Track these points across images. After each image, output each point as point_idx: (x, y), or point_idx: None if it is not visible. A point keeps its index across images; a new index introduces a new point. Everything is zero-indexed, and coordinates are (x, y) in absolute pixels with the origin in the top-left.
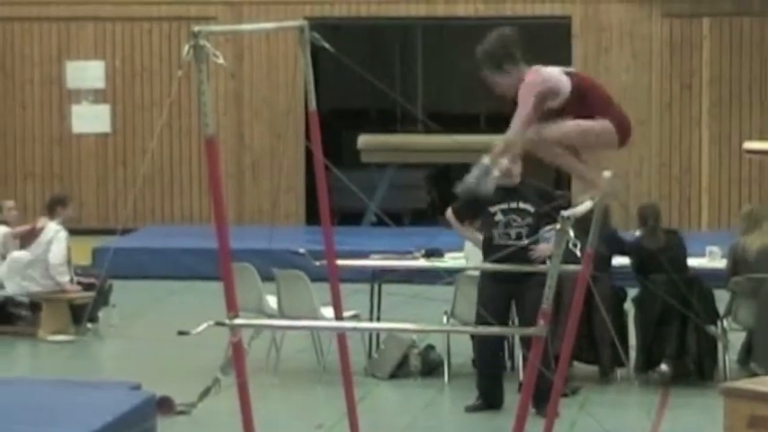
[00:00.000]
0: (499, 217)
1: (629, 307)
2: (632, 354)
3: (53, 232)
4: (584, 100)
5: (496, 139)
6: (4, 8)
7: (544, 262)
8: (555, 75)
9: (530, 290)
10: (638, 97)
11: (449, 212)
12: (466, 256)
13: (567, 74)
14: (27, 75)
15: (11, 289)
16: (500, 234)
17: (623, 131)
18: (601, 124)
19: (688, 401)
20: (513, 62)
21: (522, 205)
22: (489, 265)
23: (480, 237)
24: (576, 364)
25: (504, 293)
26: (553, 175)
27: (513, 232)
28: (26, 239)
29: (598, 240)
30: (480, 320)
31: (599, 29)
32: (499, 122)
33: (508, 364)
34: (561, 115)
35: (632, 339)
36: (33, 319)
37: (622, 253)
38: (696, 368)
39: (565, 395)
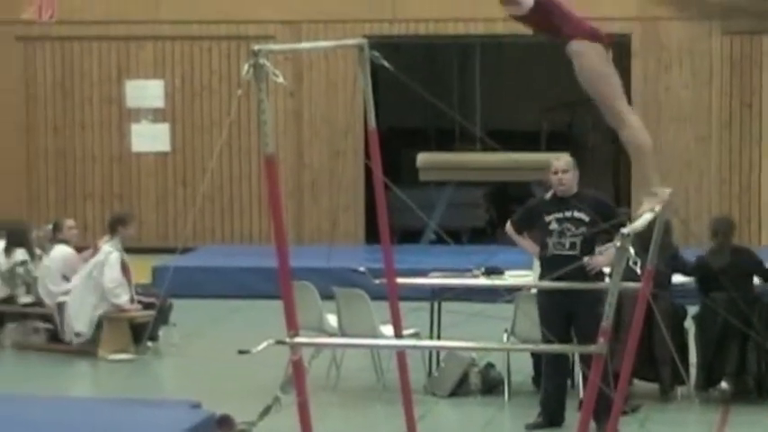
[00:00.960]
0: (554, 226)
1: (689, 325)
2: (693, 371)
3: (105, 254)
4: (550, 16)
5: (552, 156)
6: (63, 28)
7: (601, 273)
8: None
9: (587, 306)
10: (699, 115)
11: (508, 225)
12: (534, 273)
13: None
14: (86, 94)
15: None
16: (554, 243)
17: (599, 38)
18: (586, 55)
19: (748, 419)
20: None
21: (576, 214)
22: (548, 284)
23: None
24: (636, 381)
25: (562, 309)
26: (611, 189)
27: (567, 242)
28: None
29: (659, 257)
30: (544, 337)
31: (659, 47)
32: (559, 140)
33: (568, 381)
34: (530, 24)
35: (693, 357)
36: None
37: (684, 273)
38: (756, 386)
39: (625, 413)
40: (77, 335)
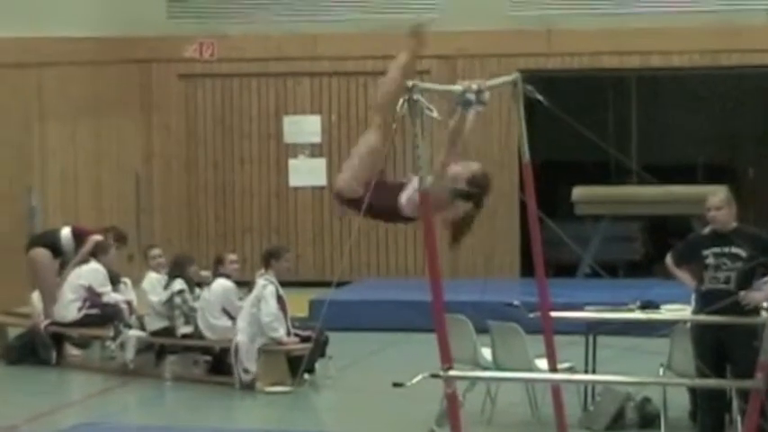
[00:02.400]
0: (710, 260)
1: None
2: None
3: (260, 288)
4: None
5: (710, 190)
6: (223, 65)
7: (756, 309)
8: None
9: (742, 340)
10: None
11: (668, 257)
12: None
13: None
14: (246, 130)
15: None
16: (710, 278)
17: None
18: None
19: None
20: None
21: (734, 250)
22: (704, 318)
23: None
24: None
25: (716, 342)
26: None
27: (722, 275)
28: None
29: None
30: (699, 371)
31: None
32: (715, 173)
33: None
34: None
35: None
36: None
37: None
38: None
39: None
40: (246, 371)
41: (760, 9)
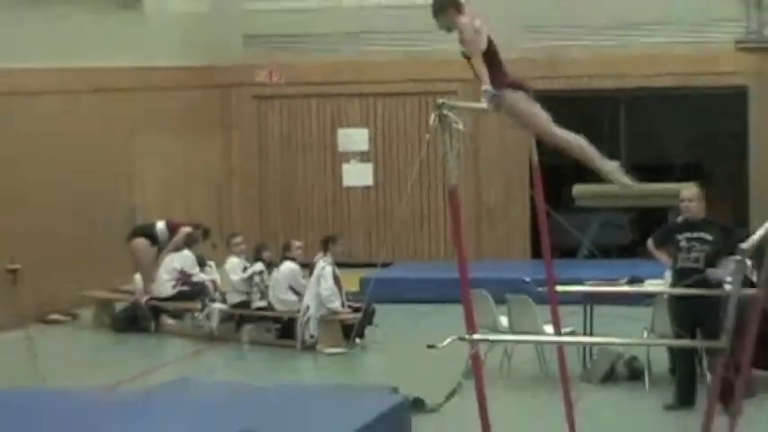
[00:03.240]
0: (683, 243)
1: None
2: None
3: (320, 269)
4: (493, 60)
5: (683, 186)
6: (289, 88)
7: (720, 283)
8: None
9: (711, 309)
10: None
11: (649, 242)
12: (665, 282)
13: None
14: (307, 141)
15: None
16: (682, 258)
17: (521, 87)
18: (517, 102)
19: None
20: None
21: (702, 235)
22: (678, 290)
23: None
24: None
25: (690, 310)
26: (731, 214)
27: (692, 256)
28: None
29: None
30: (676, 334)
31: None
32: (689, 171)
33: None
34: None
35: None
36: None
37: None
38: None
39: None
40: (312, 336)
41: (726, 41)
